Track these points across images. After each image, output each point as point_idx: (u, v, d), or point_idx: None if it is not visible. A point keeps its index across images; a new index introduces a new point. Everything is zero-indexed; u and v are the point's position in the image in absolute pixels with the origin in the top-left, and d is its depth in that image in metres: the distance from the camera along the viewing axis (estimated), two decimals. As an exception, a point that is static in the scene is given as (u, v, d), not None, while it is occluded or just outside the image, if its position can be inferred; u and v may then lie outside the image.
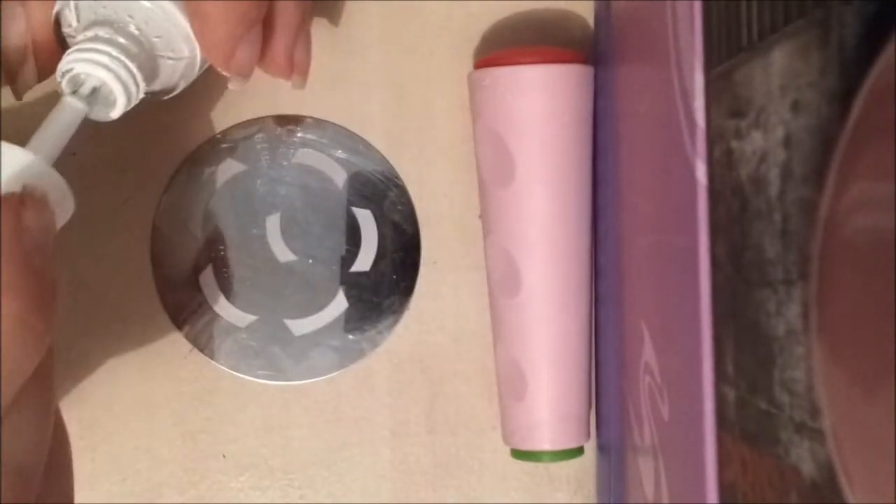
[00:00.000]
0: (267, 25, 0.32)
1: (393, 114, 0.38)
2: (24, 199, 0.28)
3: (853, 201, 0.17)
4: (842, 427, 0.17)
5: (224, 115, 0.38)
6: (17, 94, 0.33)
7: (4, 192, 0.28)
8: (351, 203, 0.38)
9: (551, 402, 0.35)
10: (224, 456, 0.38)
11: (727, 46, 0.22)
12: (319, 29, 0.38)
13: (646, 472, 0.30)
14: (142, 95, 0.31)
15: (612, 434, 0.35)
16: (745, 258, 0.21)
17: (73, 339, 0.37)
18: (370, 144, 0.38)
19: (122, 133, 0.38)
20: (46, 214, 0.28)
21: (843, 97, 0.17)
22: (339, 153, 0.38)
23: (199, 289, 0.38)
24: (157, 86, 0.32)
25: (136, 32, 0.31)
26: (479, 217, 0.37)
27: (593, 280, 0.37)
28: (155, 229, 0.38)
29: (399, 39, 0.38)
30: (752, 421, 0.21)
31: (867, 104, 0.16)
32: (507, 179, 0.35)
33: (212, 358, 0.38)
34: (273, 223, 0.38)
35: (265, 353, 0.38)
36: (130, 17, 0.31)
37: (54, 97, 0.30)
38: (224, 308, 0.38)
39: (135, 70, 0.30)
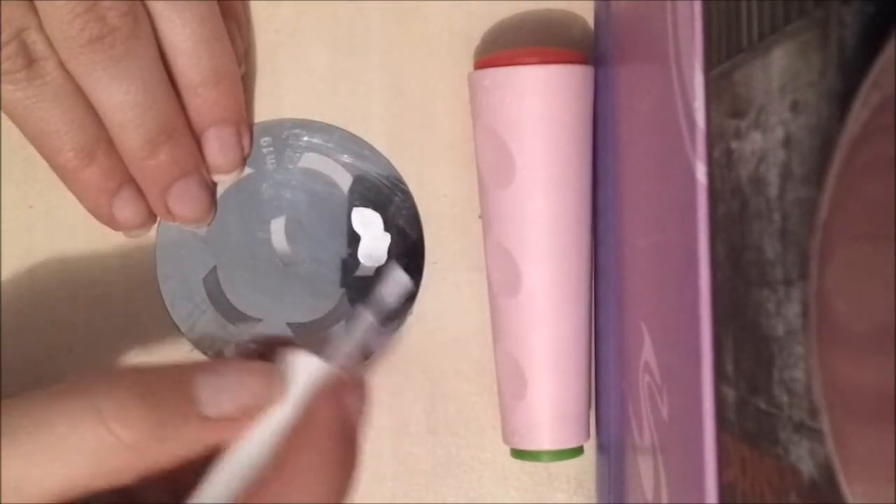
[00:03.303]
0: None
1: (393, 114, 0.38)
2: (348, 383, 0.33)
3: (853, 203, 0.17)
4: (841, 427, 0.17)
5: (224, 115, 0.38)
6: None
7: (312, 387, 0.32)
8: (356, 207, 0.38)
9: (551, 401, 0.35)
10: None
11: (727, 46, 0.22)
12: (320, 29, 0.38)
13: (645, 472, 0.30)
14: None
15: (612, 434, 0.35)
16: (745, 258, 0.21)
17: (75, 339, 0.38)
18: (375, 149, 0.38)
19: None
20: (363, 396, 0.33)
21: (843, 97, 0.17)
22: (345, 157, 0.38)
23: (202, 291, 0.38)
24: None
25: None
26: (480, 217, 0.37)
27: (593, 280, 0.37)
28: (160, 231, 0.38)
29: (399, 39, 0.38)
30: (751, 421, 0.21)
31: (866, 104, 0.16)
32: (508, 180, 0.35)
33: (212, 358, 0.38)
34: (278, 226, 0.38)
35: (267, 356, 0.38)
36: None
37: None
38: (227, 311, 0.38)
39: None
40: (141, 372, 0.30)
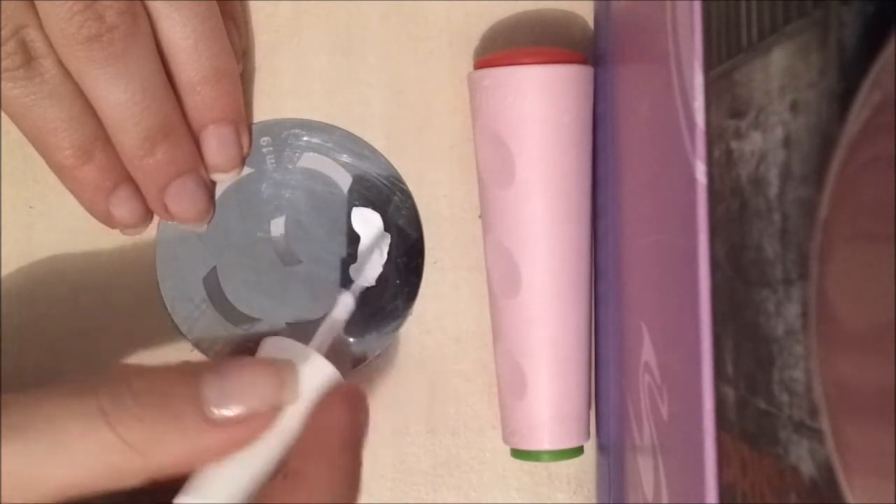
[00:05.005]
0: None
1: (393, 114, 0.38)
2: (356, 394, 0.32)
3: (853, 203, 0.17)
4: (841, 426, 0.17)
5: (224, 116, 0.38)
6: None
7: (321, 391, 0.31)
8: (355, 207, 0.38)
9: (551, 401, 0.35)
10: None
11: (727, 46, 0.22)
12: (319, 29, 0.38)
13: (645, 472, 0.30)
14: None
15: (612, 434, 0.35)
16: (745, 258, 0.21)
17: (75, 340, 0.38)
18: (374, 149, 0.38)
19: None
20: (367, 411, 0.32)
21: (843, 97, 0.17)
22: (345, 157, 0.38)
23: (202, 291, 0.38)
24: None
25: None
26: (480, 217, 0.37)
27: (593, 280, 0.37)
28: (159, 231, 0.38)
29: (399, 39, 0.38)
30: (751, 421, 0.21)
31: (866, 104, 0.16)
32: (508, 179, 0.35)
33: (214, 361, 0.38)
34: (277, 226, 0.38)
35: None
36: None
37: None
38: (227, 311, 0.38)
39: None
40: (147, 372, 0.29)
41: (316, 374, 0.31)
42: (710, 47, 0.23)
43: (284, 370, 0.31)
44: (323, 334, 0.34)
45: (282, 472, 0.31)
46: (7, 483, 0.27)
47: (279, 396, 0.30)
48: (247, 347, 0.38)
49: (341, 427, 0.31)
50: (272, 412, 0.30)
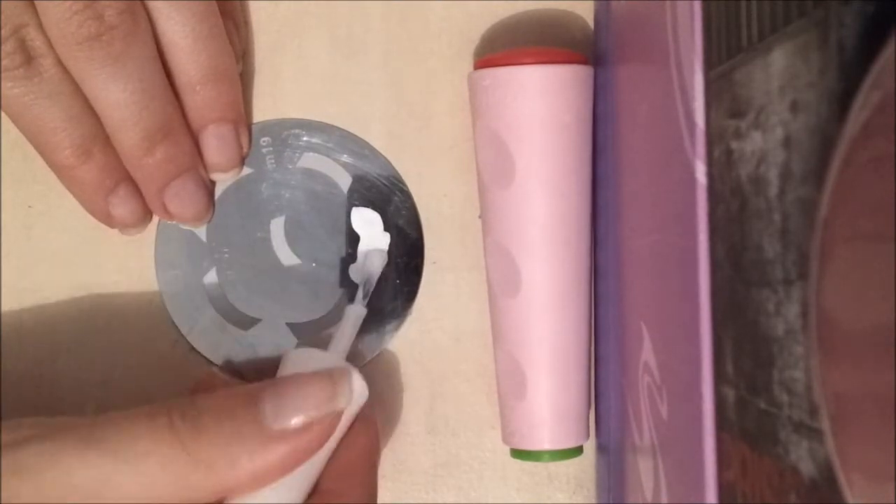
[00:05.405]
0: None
1: (393, 114, 0.38)
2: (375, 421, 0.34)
3: (853, 202, 0.17)
4: (841, 426, 0.17)
5: (224, 115, 0.38)
6: None
7: (356, 408, 0.32)
8: (355, 207, 0.38)
9: (551, 401, 0.35)
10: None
11: (727, 46, 0.22)
12: (320, 29, 0.38)
13: (645, 472, 0.30)
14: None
15: (612, 434, 0.35)
16: (745, 258, 0.21)
17: (74, 340, 0.38)
18: (375, 149, 0.38)
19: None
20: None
21: (843, 97, 0.17)
22: (345, 157, 0.38)
23: (202, 291, 0.38)
24: None
25: None
26: (479, 217, 0.37)
27: (593, 280, 0.37)
28: (159, 231, 0.38)
29: (399, 39, 0.38)
30: (751, 421, 0.21)
31: (866, 104, 0.16)
32: (508, 180, 0.35)
33: (214, 361, 0.38)
34: (277, 226, 0.38)
35: (268, 356, 0.38)
36: None
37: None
38: (227, 310, 0.38)
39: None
40: (214, 395, 0.31)
41: (355, 391, 0.32)
42: (710, 47, 0.23)
43: (338, 376, 0.32)
44: (341, 351, 0.34)
45: (315, 489, 0.32)
46: (80, 492, 0.28)
47: (334, 403, 0.31)
48: (251, 349, 0.38)
49: (369, 449, 0.33)
50: (330, 420, 0.31)
